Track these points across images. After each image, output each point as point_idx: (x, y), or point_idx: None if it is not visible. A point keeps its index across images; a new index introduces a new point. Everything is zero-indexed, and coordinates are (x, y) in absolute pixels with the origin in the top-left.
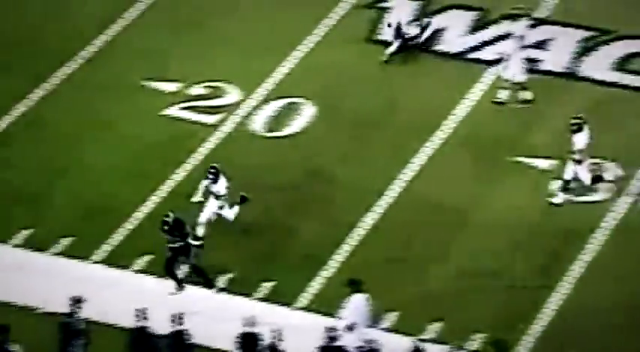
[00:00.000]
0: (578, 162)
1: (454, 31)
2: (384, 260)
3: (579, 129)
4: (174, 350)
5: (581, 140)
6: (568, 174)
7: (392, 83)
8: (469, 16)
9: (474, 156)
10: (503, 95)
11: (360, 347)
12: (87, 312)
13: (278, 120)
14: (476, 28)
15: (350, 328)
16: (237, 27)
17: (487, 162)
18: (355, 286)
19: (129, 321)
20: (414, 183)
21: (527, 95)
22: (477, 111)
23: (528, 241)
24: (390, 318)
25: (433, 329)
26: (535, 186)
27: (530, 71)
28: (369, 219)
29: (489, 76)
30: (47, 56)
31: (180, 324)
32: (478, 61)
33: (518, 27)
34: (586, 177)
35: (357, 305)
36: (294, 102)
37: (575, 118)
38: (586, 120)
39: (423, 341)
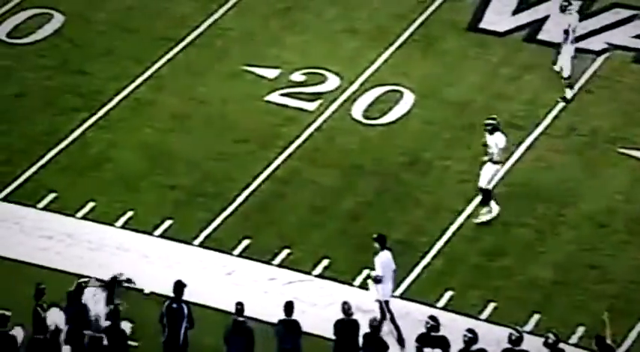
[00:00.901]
0: (497, 162)
1: (557, 19)
2: (481, 250)
3: (494, 130)
4: (286, 337)
5: (500, 140)
6: (483, 181)
7: (491, 72)
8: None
9: (574, 147)
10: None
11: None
12: (188, 296)
13: (377, 107)
14: (581, 17)
15: (377, 281)
16: (338, 14)
17: (587, 153)
18: (381, 242)
19: (227, 306)
20: (513, 173)
21: (567, 93)
22: (579, 102)
23: (630, 235)
24: (488, 309)
25: (532, 321)
26: (636, 178)
27: (637, 61)
28: (467, 209)
29: (595, 65)
30: (150, 41)
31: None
32: (583, 50)
33: (569, 19)
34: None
35: (383, 260)
36: (393, 90)
37: (489, 119)
38: (499, 121)
39: (521, 332)
